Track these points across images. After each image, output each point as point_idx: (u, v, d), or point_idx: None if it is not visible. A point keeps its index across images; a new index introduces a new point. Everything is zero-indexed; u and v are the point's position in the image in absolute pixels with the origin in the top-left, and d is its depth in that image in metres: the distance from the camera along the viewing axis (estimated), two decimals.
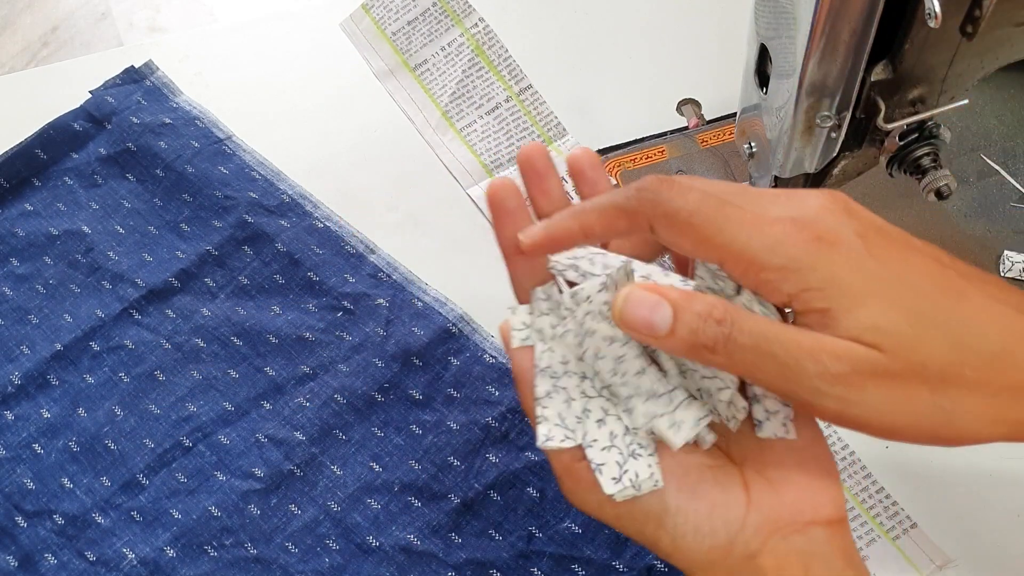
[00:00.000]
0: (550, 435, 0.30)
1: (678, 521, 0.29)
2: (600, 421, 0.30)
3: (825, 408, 0.26)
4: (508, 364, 0.44)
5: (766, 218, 0.27)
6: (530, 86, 0.53)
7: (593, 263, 0.32)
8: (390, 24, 0.55)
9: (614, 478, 0.29)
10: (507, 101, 0.53)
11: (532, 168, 0.32)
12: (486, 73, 0.54)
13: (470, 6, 0.53)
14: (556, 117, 0.53)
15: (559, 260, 0.32)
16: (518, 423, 0.43)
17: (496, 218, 0.32)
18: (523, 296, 0.33)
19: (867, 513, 0.41)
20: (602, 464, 0.29)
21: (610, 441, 0.29)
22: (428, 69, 0.54)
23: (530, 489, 0.41)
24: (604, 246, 0.33)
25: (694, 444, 0.30)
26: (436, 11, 0.54)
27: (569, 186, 0.34)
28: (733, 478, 0.30)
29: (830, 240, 0.26)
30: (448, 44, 0.54)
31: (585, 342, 0.30)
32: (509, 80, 0.53)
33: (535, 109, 0.53)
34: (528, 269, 0.32)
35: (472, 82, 0.54)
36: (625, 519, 0.29)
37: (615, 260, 0.31)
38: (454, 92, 0.54)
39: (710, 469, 0.30)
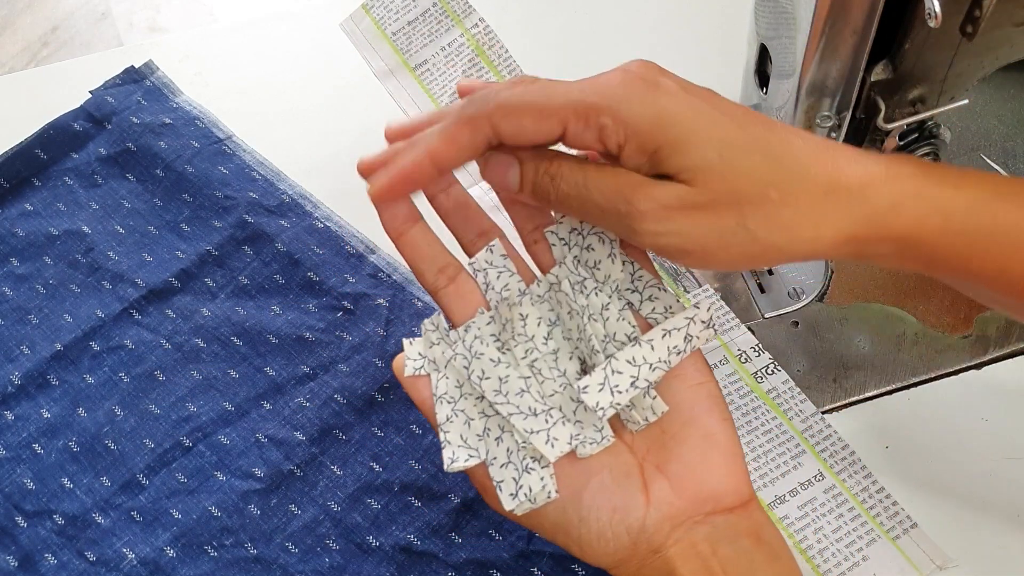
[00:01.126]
0: (455, 457, 0.31)
1: (582, 531, 0.30)
2: (498, 439, 0.32)
3: (642, 241, 0.29)
4: None
5: (594, 78, 0.29)
6: None
7: (499, 278, 0.34)
8: (390, 24, 0.55)
9: (511, 494, 0.30)
10: None
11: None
12: (486, 73, 0.54)
13: (470, 6, 0.53)
14: None
15: (478, 260, 0.34)
16: None
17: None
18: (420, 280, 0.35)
19: (867, 513, 0.41)
20: (501, 481, 0.31)
21: (507, 458, 0.31)
22: (428, 69, 0.54)
23: None
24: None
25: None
26: (436, 11, 0.54)
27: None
28: (633, 479, 0.31)
29: (653, 82, 0.29)
30: (448, 44, 0.54)
31: (472, 364, 0.32)
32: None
33: None
34: (421, 252, 0.34)
35: None
36: (538, 529, 0.31)
37: (515, 284, 0.34)
38: (455, 92, 0.54)
39: (610, 473, 0.31)
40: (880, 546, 0.40)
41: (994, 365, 0.45)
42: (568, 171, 0.30)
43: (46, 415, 0.44)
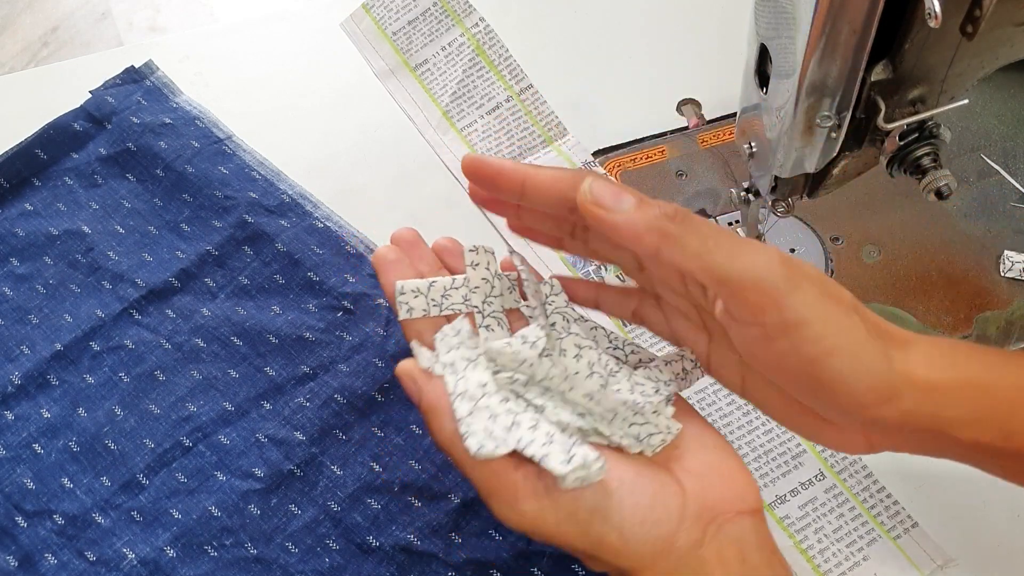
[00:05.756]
0: (482, 443, 0.30)
1: (624, 515, 0.29)
2: (533, 427, 0.31)
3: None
4: None
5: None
6: (531, 86, 0.53)
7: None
8: (391, 24, 0.55)
9: (564, 460, 0.29)
10: (508, 101, 0.53)
11: (404, 240, 0.39)
12: (487, 73, 0.54)
13: (471, 6, 0.53)
14: (557, 117, 0.53)
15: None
16: None
17: (379, 273, 0.38)
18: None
19: (868, 512, 0.41)
20: (546, 455, 0.29)
21: (548, 439, 0.30)
22: (429, 69, 0.54)
23: None
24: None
25: (619, 450, 0.32)
26: (437, 11, 0.54)
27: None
28: (664, 474, 0.31)
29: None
30: (449, 44, 0.54)
31: (519, 368, 0.33)
32: (510, 80, 0.53)
33: (536, 109, 0.53)
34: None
35: (473, 82, 0.54)
36: (568, 523, 0.29)
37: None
38: (455, 92, 0.54)
39: (645, 466, 0.31)
40: (881, 545, 0.40)
41: None
42: (697, 224, 0.29)
43: (46, 415, 0.44)
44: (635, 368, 0.35)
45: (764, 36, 0.39)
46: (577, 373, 0.34)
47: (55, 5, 0.62)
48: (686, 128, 0.54)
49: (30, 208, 0.50)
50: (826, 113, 0.37)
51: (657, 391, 0.33)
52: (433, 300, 0.36)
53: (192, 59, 0.57)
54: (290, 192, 0.50)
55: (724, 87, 0.51)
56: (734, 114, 0.52)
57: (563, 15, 0.60)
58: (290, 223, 0.49)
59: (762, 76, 0.41)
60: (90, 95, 0.53)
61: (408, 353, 0.45)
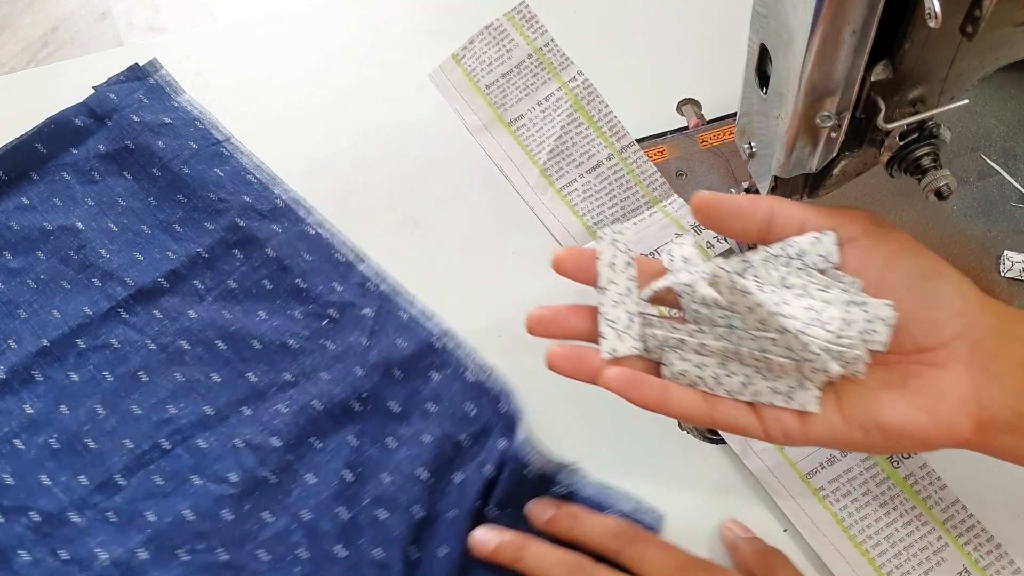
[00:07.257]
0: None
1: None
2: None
3: None
4: (487, 383, 0.42)
5: None
6: (632, 143, 0.50)
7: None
8: (483, 77, 0.53)
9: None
10: (609, 159, 0.50)
11: (545, 320, 0.36)
12: (586, 129, 0.51)
13: (568, 59, 0.51)
14: (660, 176, 0.51)
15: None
16: (490, 443, 0.41)
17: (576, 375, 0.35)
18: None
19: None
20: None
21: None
22: (524, 124, 0.52)
23: (491, 507, 0.40)
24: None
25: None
26: (532, 63, 0.52)
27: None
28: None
29: None
30: (545, 98, 0.52)
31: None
32: (610, 137, 0.51)
33: (638, 168, 0.50)
34: None
35: (571, 138, 0.51)
36: None
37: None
38: (552, 149, 0.51)
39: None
40: None
41: None
42: None
43: (29, 410, 0.44)
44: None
45: (764, 36, 0.39)
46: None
47: (55, 5, 0.62)
48: (686, 128, 0.53)
49: (26, 202, 0.50)
50: (826, 113, 0.37)
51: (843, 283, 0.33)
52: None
53: (192, 59, 0.57)
54: (284, 197, 0.49)
55: (724, 87, 0.51)
56: (734, 114, 0.52)
57: (563, 15, 0.59)
58: (282, 228, 0.48)
59: (762, 76, 0.40)
60: (93, 91, 0.53)
61: (388, 364, 0.43)
